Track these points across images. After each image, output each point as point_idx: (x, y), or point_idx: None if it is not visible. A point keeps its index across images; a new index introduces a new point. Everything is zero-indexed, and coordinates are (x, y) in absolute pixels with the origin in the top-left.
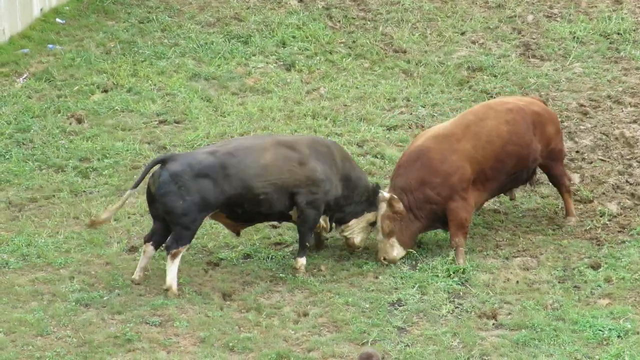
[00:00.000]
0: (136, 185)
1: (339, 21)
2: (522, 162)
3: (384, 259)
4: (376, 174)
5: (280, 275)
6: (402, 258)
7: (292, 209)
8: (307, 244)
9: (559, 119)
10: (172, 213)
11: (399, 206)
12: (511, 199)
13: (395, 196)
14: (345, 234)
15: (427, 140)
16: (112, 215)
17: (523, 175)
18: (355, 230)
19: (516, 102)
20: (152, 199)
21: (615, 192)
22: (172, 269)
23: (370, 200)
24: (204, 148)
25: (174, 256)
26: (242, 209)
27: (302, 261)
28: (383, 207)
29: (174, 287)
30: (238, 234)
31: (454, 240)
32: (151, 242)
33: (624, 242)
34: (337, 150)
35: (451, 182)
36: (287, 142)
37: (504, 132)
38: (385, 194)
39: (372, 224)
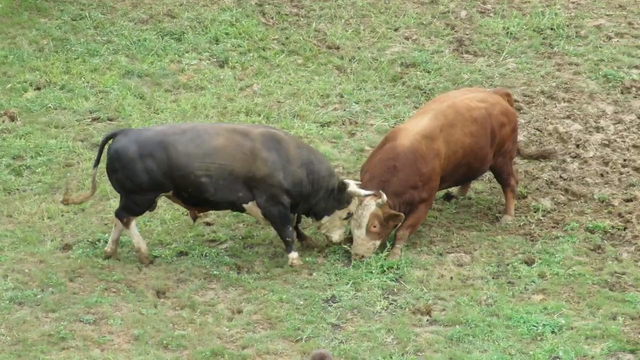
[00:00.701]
0: (96, 164)
1: (272, 17)
2: (472, 172)
3: (362, 257)
4: None
5: (214, 272)
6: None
7: (247, 202)
8: (288, 239)
9: None
10: (120, 188)
11: (390, 211)
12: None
13: (388, 201)
14: (323, 231)
15: (416, 141)
16: (85, 200)
17: (466, 181)
18: (330, 228)
19: (480, 108)
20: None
21: (549, 187)
22: (133, 233)
23: (339, 196)
24: (158, 126)
25: (126, 224)
26: (187, 192)
27: (292, 255)
28: (372, 205)
29: (143, 247)
30: (194, 219)
31: (401, 232)
32: None
33: (557, 237)
34: (291, 139)
35: (432, 186)
36: (241, 129)
37: (467, 144)
38: (384, 197)
39: (346, 218)
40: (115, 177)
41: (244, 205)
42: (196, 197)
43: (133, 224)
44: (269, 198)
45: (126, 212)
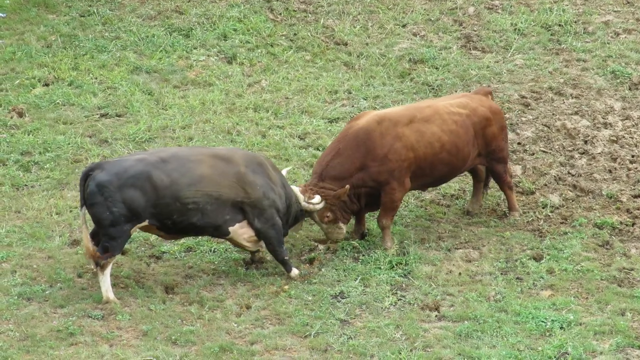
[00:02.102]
0: (82, 205)
1: (280, 14)
2: (453, 170)
3: (336, 241)
4: None
5: (223, 268)
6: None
7: (234, 225)
8: (285, 257)
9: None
10: (98, 222)
11: (330, 193)
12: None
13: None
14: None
15: (373, 121)
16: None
17: (449, 179)
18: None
19: (461, 114)
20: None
21: (557, 183)
22: (104, 280)
23: (300, 210)
24: (134, 154)
25: (103, 268)
26: (171, 220)
27: (293, 274)
28: (314, 202)
29: (111, 297)
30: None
31: (382, 222)
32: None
33: (566, 233)
34: (267, 162)
35: (391, 167)
36: (222, 155)
37: (444, 140)
38: (317, 198)
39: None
40: (93, 211)
41: (230, 229)
42: (181, 222)
43: (108, 269)
44: (265, 220)
45: (105, 251)
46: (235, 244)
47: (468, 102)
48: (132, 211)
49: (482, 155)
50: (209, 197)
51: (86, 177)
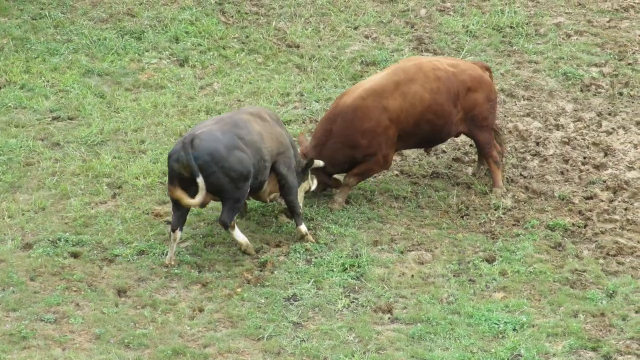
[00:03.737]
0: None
1: (232, 16)
2: (436, 131)
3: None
4: None
5: (176, 271)
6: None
7: (268, 178)
8: (299, 210)
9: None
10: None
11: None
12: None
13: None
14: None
15: (359, 98)
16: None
17: (436, 141)
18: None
19: (447, 70)
20: None
21: (510, 185)
22: (238, 235)
23: (303, 170)
24: (208, 123)
25: (233, 228)
26: (257, 179)
27: (302, 229)
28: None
29: (250, 247)
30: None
31: (347, 179)
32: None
33: (518, 235)
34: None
35: (379, 140)
36: (256, 113)
37: (426, 99)
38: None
39: (307, 192)
40: (211, 180)
41: (265, 182)
42: (257, 181)
43: (237, 228)
44: (289, 169)
45: (232, 216)
46: (258, 197)
47: (459, 63)
48: (244, 171)
49: (465, 120)
50: (269, 153)
51: (185, 150)
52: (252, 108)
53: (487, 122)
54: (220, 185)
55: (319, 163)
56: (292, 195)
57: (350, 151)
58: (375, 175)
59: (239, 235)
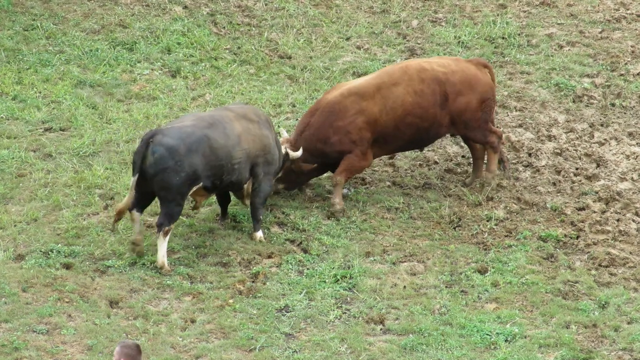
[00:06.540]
0: (137, 172)
1: (224, 27)
2: (421, 133)
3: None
4: None
5: (168, 282)
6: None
7: (249, 177)
8: (260, 216)
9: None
10: (166, 189)
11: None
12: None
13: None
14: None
15: (340, 95)
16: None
17: (424, 142)
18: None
19: (435, 70)
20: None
21: (502, 196)
22: (162, 245)
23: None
24: (181, 121)
25: (165, 234)
26: (220, 180)
27: (258, 235)
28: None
29: (166, 263)
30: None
31: (336, 177)
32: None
33: (510, 246)
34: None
35: (353, 138)
36: (241, 113)
37: (407, 102)
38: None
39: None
40: (162, 177)
41: (246, 182)
42: (225, 181)
43: (168, 236)
44: (267, 172)
45: (170, 219)
46: (239, 196)
47: (451, 63)
48: (195, 174)
49: (457, 124)
50: (245, 154)
51: (147, 143)
52: (242, 107)
53: (479, 122)
54: (169, 183)
55: (296, 154)
56: (259, 200)
57: (321, 145)
58: (368, 186)
59: (163, 246)
